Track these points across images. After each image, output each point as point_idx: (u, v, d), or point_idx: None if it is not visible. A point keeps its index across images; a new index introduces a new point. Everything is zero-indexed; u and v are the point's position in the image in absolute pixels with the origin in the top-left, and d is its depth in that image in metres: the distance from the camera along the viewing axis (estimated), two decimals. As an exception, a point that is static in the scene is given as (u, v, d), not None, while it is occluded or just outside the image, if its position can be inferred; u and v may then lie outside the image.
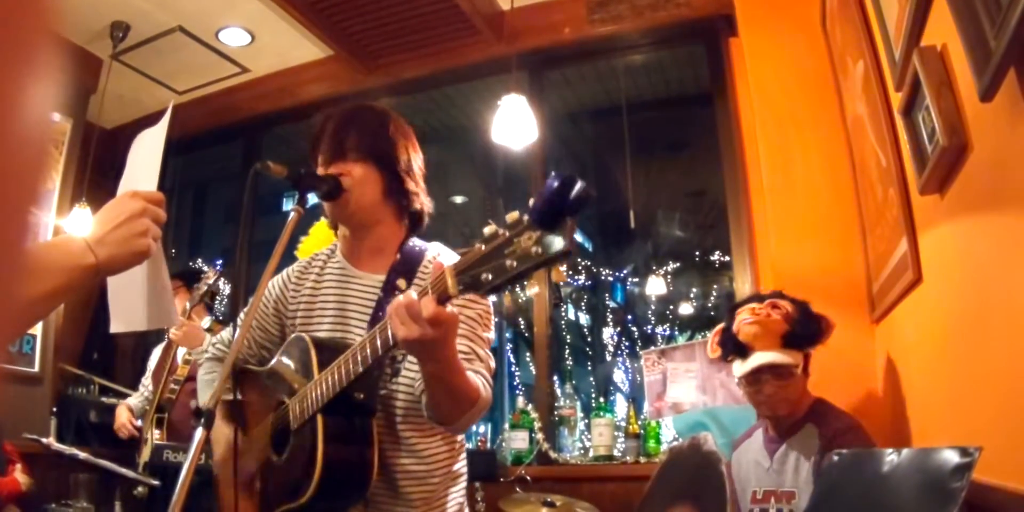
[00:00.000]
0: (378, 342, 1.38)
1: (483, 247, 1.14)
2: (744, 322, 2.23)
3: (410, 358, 1.63)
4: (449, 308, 1.25)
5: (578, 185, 1.04)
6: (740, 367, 2.25)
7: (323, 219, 3.56)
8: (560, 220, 1.05)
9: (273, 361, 1.77)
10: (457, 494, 1.72)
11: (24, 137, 0.30)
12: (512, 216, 1.10)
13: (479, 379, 1.51)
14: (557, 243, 1.05)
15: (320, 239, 3.63)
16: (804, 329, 2.20)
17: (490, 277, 1.13)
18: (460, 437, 1.75)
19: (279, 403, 1.67)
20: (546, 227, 1.06)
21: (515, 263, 1.09)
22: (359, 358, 1.43)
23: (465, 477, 1.77)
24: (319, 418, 1.51)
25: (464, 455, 1.77)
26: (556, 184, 1.05)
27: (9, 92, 0.29)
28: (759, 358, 2.19)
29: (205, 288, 3.50)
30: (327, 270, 1.81)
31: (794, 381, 2.19)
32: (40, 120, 0.31)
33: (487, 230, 1.15)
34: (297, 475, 1.53)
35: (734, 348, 2.27)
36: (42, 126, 0.31)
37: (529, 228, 1.08)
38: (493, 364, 1.64)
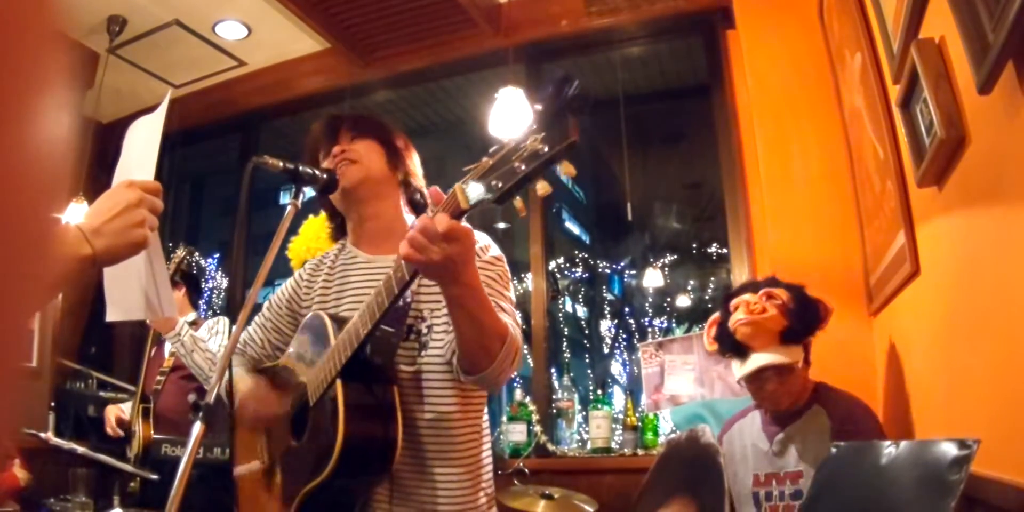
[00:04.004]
0: (395, 279, 1.37)
1: (489, 160, 1.17)
2: (740, 322, 2.16)
3: (436, 329, 1.61)
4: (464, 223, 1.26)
5: (575, 83, 1.08)
6: (740, 369, 2.19)
7: (312, 217, 3.57)
8: (562, 119, 1.08)
9: (288, 351, 1.78)
10: (487, 484, 1.68)
11: (44, 139, 0.30)
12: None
13: (508, 318, 1.48)
14: (563, 137, 1.08)
15: (309, 238, 3.64)
16: (801, 321, 2.15)
17: (500, 184, 1.14)
18: (484, 422, 1.71)
19: (296, 386, 1.66)
20: (549, 127, 1.09)
21: (523, 165, 1.12)
22: (376, 302, 1.40)
23: (491, 467, 1.72)
24: (338, 384, 1.48)
25: (488, 442, 1.73)
26: (551, 86, 1.09)
27: (27, 95, 0.29)
28: (758, 359, 2.13)
29: (174, 267, 3.50)
30: (339, 262, 1.82)
31: (795, 375, 2.14)
32: (59, 120, 0.31)
33: (492, 149, 1.17)
34: (318, 450, 1.50)
35: (731, 347, 2.21)
36: (62, 127, 0.31)
37: (533, 132, 1.11)
38: (519, 320, 1.61)
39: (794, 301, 2.18)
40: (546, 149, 1.09)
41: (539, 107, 1.10)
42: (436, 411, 1.59)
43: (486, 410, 1.75)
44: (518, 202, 1.17)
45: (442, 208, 1.24)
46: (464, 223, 1.25)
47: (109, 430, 3.63)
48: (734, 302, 2.25)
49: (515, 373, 1.54)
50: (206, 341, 3.23)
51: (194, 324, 3.49)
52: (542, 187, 1.14)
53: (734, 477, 2.20)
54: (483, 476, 1.68)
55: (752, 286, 2.29)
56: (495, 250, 1.70)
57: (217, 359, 3.08)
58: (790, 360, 2.12)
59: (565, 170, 1.11)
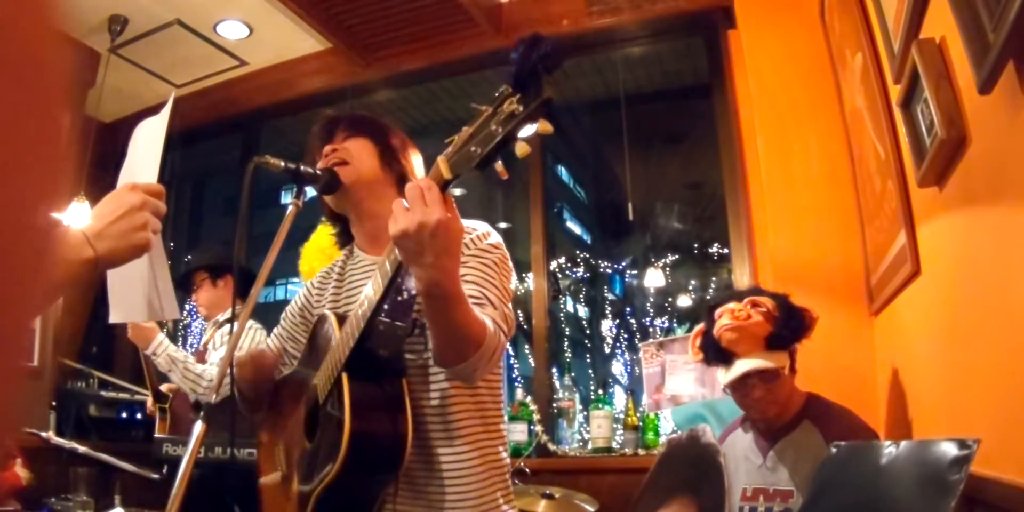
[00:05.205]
0: (388, 261, 1.36)
1: (469, 128, 1.18)
2: (724, 328, 2.15)
3: None
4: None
5: (545, 41, 1.09)
6: (724, 375, 2.18)
7: (316, 232, 3.52)
8: (536, 78, 1.10)
9: (299, 356, 1.77)
10: (500, 481, 1.62)
11: (44, 140, 0.30)
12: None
13: (489, 320, 1.43)
14: (536, 96, 1.09)
15: (319, 247, 3.58)
16: (786, 328, 2.13)
17: (478, 150, 1.15)
18: (491, 415, 1.65)
19: (308, 389, 1.63)
20: (524, 89, 1.11)
21: (499, 128, 1.12)
22: (373, 289, 1.39)
23: (508, 470, 1.67)
24: (344, 379, 1.44)
25: (505, 444, 1.67)
26: (522, 48, 1.10)
27: (27, 95, 0.29)
28: (743, 365, 2.11)
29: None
30: (348, 267, 1.81)
31: (781, 382, 2.12)
32: (56, 120, 0.31)
33: (470, 119, 1.18)
34: (328, 449, 1.45)
35: (716, 354, 2.20)
36: (59, 126, 0.31)
37: (509, 95, 1.12)
38: (510, 314, 1.56)
39: (779, 309, 2.17)
40: (521, 109, 1.10)
41: (512, 68, 1.10)
42: (440, 399, 1.57)
43: (503, 411, 1.69)
44: (499, 166, 1.17)
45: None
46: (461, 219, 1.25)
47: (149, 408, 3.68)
48: (718, 311, 2.23)
49: (494, 368, 1.52)
50: (210, 352, 3.21)
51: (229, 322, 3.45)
52: (520, 148, 1.13)
53: (728, 488, 2.19)
54: (496, 474, 1.62)
55: (736, 295, 2.28)
56: (495, 238, 1.66)
57: (201, 380, 3.08)
58: (775, 365, 2.10)
59: (540, 128, 1.11)
